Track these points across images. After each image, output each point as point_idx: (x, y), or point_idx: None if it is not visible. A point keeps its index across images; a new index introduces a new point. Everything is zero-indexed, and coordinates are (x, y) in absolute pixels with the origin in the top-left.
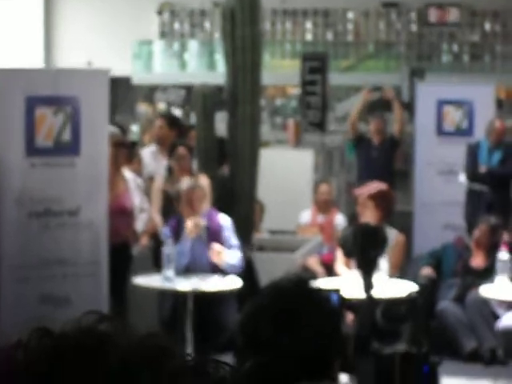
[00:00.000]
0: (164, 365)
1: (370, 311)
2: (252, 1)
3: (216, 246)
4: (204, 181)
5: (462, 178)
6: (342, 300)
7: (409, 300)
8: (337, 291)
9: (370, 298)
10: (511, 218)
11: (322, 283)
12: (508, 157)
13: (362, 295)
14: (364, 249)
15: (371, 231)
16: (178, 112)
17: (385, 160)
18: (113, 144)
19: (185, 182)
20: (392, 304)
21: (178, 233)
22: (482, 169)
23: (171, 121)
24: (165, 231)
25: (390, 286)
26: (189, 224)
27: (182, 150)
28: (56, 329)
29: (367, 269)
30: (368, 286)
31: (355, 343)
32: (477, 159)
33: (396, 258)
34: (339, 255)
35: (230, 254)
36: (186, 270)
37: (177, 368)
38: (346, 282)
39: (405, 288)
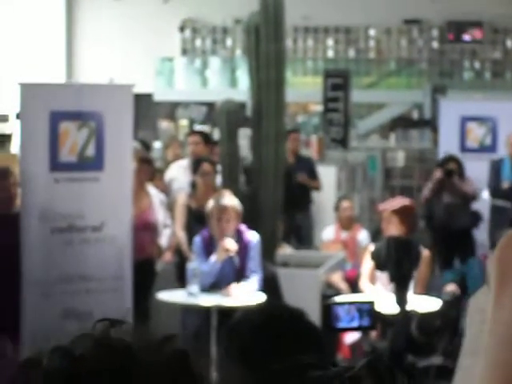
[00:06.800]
0: (185, 367)
1: (405, 325)
2: (276, 17)
3: (236, 292)
4: (233, 199)
5: (486, 194)
6: (375, 313)
7: (443, 313)
8: (370, 303)
9: (404, 311)
10: None
11: (354, 297)
12: None
13: (393, 309)
14: (398, 261)
15: (404, 243)
16: (202, 128)
17: None
18: (137, 160)
19: (216, 201)
20: (427, 317)
21: (208, 245)
22: (505, 184)
23: (206, 137)
24: (196, 240)
25: (416, 302)
26: (220, 247)
27: (206, 166)
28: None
29: (401, 282)
30: (402, 300)
31: (390, 357)
32: (500, 175)
33: (422, 274)
34: (364, 271)
35: (246, 288)
36: (211, 288)
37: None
38: (375, 297)
39: (431, 304)
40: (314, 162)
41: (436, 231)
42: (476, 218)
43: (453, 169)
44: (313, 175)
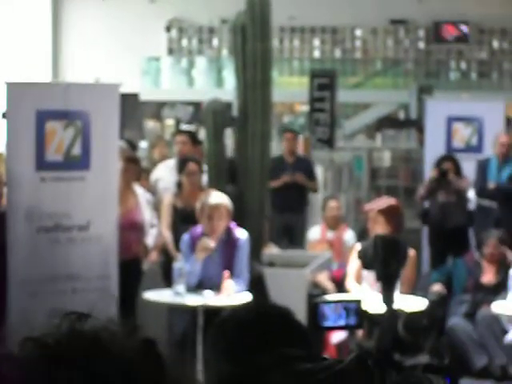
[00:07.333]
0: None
1: (392, 324)
2: (263, 16)
3: (228, 288)
4: (223, 197)
5: (472, 194)
6: (362, 312)
7: (430, 312)
8: (357, 302)
9: (390, 310)
10: None
11: (341, 296)
12: None
13: (380, 308)
14: (385, 260)
15: (392, 242)
16: (189, 128)
17: None
18: (123, 159)
19: (207, 199)
20: (413, 316)
21: (196, 244)
22: (491, 185)
23: (194, 137)
24: (185, 239)
25: (403, 302)
26: (198, 247)
27: (192, 166)
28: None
29: (388, 281)
30: (388, 299)
31: (376, 356)
32: (486, 175)
33: (408, 274)
34: (350, 271)
35: (235, 287)
36: (198, 287)
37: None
38: (361, 296)
39: (417, 304)
40: (313, 163)
41: (431, 229)
42: (471, 217)
43: (447, 169)
44: (311, 176)
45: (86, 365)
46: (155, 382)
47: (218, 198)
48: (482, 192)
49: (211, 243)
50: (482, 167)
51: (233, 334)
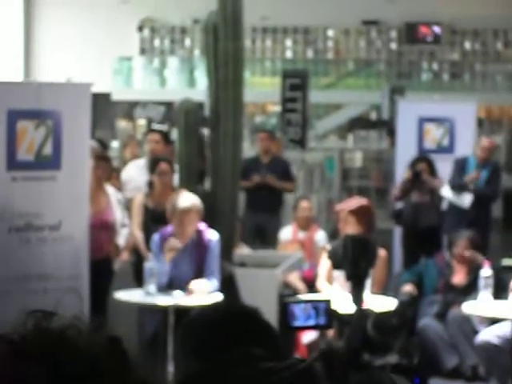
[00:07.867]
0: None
1: (361, 323)
2: (235, 16)
3: (197, 288)
4: (194, 198)
5: (446, 191)
6: (332, 312)
7: (400, 313)
8: (327, 302)
9: (360, 310)
10: (490, 235)
11: (311, 296)
12: (493, 176)
13: (350, 308)
14: (354, 260)
15: (361, 242)
16: (162, 127)
17: None
18: (94, 158)
19: (178, 202)
20: (383, 316)
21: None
22: (469, 179)
23: (166, 136)
24: (155, 238)
25: (373, 302)
26: (165, 248)
27: (164, 166)
28: None
29: (357, 281)
30: (358, 299)
31: (346, 355)
32: (463, 174)
33: (379, 274)
34: (321, 271)
35: (206, 284)
36: (169, 287)
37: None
38: (332, 296)
39: (387, 304)
40: (290, 164)
41: (404, 230)
42: (442, 216)
43: (421, 170)
44: (287, 177)
45: (52, 360)
46: (120, 378)
47: (189, 200)
48: (457, 187)
49: (177, 243)
50: (460, 165)
51: (201, 334)
